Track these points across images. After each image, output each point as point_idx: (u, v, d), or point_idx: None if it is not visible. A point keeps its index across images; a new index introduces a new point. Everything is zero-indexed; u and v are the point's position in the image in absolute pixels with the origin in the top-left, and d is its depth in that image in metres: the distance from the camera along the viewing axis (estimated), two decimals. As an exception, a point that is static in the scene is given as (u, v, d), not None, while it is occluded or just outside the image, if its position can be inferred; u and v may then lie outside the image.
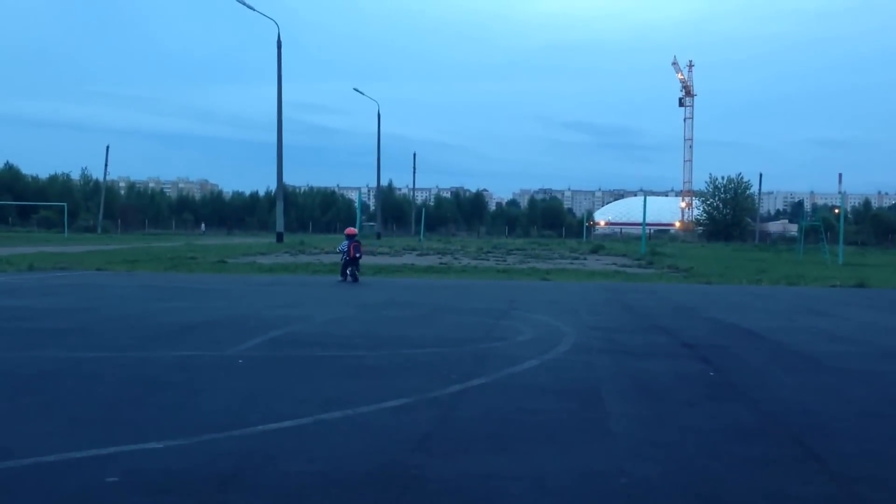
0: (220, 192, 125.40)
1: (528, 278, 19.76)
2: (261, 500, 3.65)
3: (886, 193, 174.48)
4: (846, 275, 21.92)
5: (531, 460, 4.30)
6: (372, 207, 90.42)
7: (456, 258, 29.00)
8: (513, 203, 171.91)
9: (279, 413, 5.18)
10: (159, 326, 9.46)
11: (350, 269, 17.65)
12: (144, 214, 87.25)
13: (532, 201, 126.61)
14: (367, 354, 7.66)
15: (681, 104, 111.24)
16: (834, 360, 7.85)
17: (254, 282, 17.26)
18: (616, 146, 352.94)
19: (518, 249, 38.85)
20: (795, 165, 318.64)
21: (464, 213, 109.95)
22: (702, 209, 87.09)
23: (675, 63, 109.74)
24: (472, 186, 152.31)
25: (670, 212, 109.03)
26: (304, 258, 27.26)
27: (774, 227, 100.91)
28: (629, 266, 26.39)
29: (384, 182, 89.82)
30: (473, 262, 26.43)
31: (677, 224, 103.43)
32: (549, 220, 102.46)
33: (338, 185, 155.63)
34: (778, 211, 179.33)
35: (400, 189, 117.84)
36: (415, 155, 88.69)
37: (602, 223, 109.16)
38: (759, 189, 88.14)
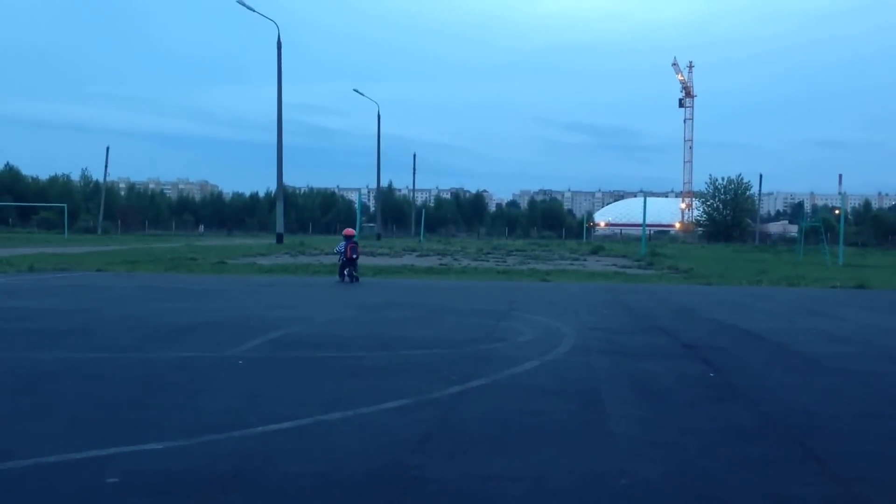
0: (220, 193, 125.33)
1: (528, 279, 19.76)
2: (261, 500, 3.65)
3: (887, 194, 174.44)
4: (846, 276, 21.91)
5: (531, 461, 4.30)
6: (372, 208, 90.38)
7: (456, 259, 29.00)
8: (513, 204, 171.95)
9: (279, 414, 5.18)
10: (159, 327, 9.46)
11: (348, 269, 17.78)
12: (144, 215, 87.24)
13: (532, 202, 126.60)
14: (368, 355, 7.66)
15: (681, 105, 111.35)
16: (834, 361, 7.85)
17: (254, 283, 17.26)
18: (616, 147, 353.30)
19: (518, 250, 38.87)
20: (795, 166, 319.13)
21: (464, 214, 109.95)
22: (702, 210, 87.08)
23: (675, 64, 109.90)
24: (472, 187, 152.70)
25: (670, 213, 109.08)
26: (304, 259, 27.27)
27: (774, 227, 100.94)
28: (629, 267, 26.40)
29: (384, 183, 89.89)
30: (473, 263, 26.43)
31: (677, 225, 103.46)
32: (549, 220, 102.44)
33: (338, 186, 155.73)
34: (778, 212, 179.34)
35: (400, 190, 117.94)
36: (415, 156, 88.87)
37: (602, 224, 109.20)
38: (759, 190, 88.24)
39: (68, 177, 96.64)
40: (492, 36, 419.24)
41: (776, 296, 16.21)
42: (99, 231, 70.93)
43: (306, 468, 4.12)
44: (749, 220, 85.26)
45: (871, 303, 15.04)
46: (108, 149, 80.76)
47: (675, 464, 4.31)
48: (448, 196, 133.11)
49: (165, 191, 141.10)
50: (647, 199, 48.11)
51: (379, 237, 62.05)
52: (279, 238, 44.94)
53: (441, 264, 25.33)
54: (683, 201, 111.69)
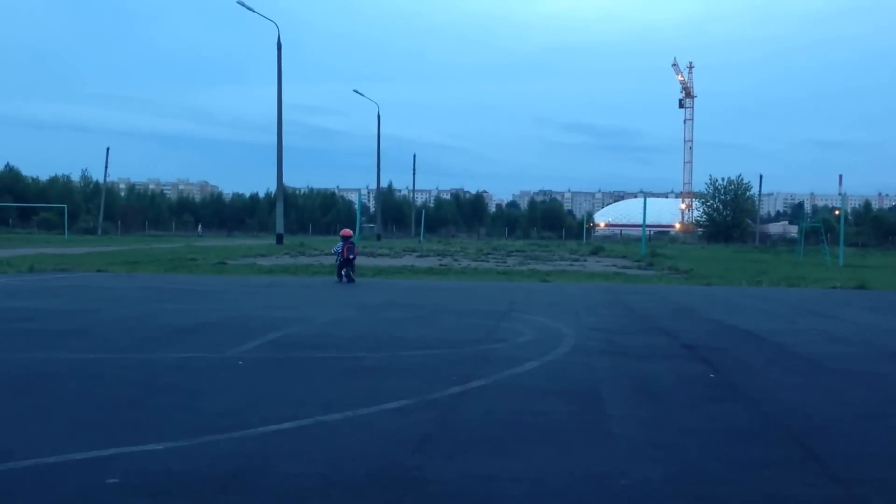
0: (220, 194, 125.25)
1: (528, 280, 19.76)
2: (261, 501, 3.65)
3: (887, 195, 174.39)
4: (846, 276, 21.91)
5: (531, 462, 4.30)
6: (372, 209, 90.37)
7: (456, 260, 29.01)
8: (513, 204, 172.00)
9: (279, 414, 5.18)
10: (159, 328, 9.46)
11: (345, 269, 17.91)
12: (144, 216, 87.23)
13: (532, 203, 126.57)
14: (368, 356, 7.66)
15: (681, 105, 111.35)
16: (834, 362, 7.85)
17: (254, 283, 17.26)
18: (616, 147, 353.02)
19: (518, 251, 38.88)
20: (796, 167, 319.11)
21: (464, 214, 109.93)
22: (702, 211, 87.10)
23: (675, 64, 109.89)
24: (472, 188, 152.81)
25: (670, 213, 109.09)
26: (304, 260, 27.27)
27: (775, 228, 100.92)
28: (629, 268, 26.41)
29: (384, 183, 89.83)
30: (473, 264, 26.43)
31: (677, 225, 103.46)
32: (549, 221, 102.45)
33: (338, 187, 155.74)
34: (778, 212, 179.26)
35: (400, 190, 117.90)
36: (415, 156, 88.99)
37: (602, 225, 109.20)
38: (760, 190, 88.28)
39: (68, 177, 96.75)
40: (492, 36, 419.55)
41: (776, 296, 16.21)
42: (99, 232, 70.96)
43: (306, 469, 4.12)
44: (749, 221, 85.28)
45: (872, 303, 15.04)
46: (108, 149, 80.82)
47: (676, 464, 4.31)
48: (448, 197, 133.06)
49: (165, 191, 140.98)
50: (647, 199, 48.11)
51: (379, 238, 62.04)
52: (279, 239, 44.97)
53: (441, 265, 25.33)
54: (683, 202, 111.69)
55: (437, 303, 13.31)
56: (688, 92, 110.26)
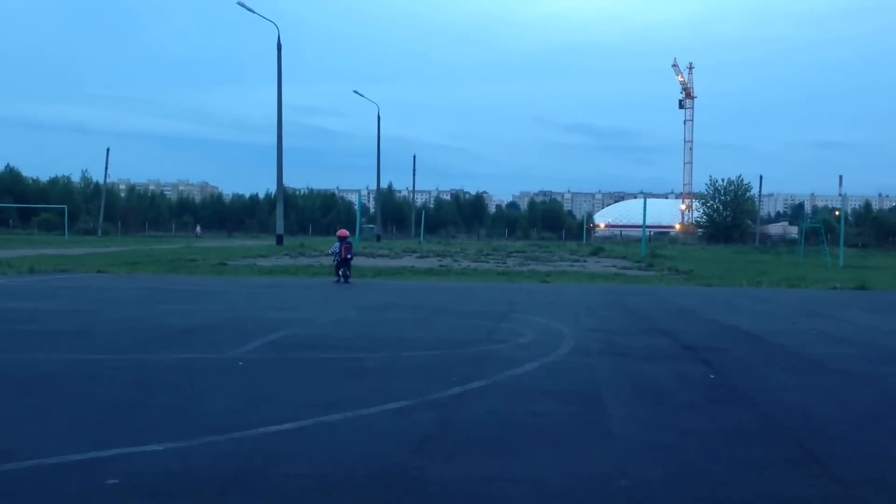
0: (220, 195, 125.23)
1: (528, 281, 19.76)
2: (261, 502, 3.65)
3: (887, 195, 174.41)
4: (847, 277, 21.90)
5: (532, 462, 4.30)
6: (372, 210, 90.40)
7: (456, 260, 29.01)
8: (513, 205, 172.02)
9: (279, 415, 5.18)
10: (160, 329, 9.47)
11: (342, 269, 18.10)
12: (145, 217, 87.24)
13: (532, 203, 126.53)
14: (368, 357, 7.66)
15: (681, 106, 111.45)
16: (834, 363, 7.85)
17: (254, 284, 17.26)
18: (616, 148, 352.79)
19: (518, 252, 38.88)
20: (796, 167, 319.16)
21: (464, 215, 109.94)
22: (702, 211, 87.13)
23: (675, 65, 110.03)
24: (472, 188, 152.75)
25: (670, 214, 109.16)
26: (304, 260, 27.28)
27: (775, 229, 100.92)
28: (629, 268, 26.41)
29: (384, 184, 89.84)
30: (473, 265, 26.44)
31: (677, 226, 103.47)
32: (549, 222, 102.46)
33: (338, 188, 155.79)
34: (778, 213, 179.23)
35: (400, 191, 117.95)
36: (414, 157, 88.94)
37: (602, 225, 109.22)
38: (760, 191, 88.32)
39: (69, 178, 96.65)
40: (492, 37, 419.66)
41: (776, 297, 16.21)
42: (99, 232, 70.99)
43: (307, 469, 4.12)
44: (749, 222, 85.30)
45: (872, 304, 15.04)
46: (108, 150, 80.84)
47: (676, 465, 4.31)
48: (448, 197, 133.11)
49: (165, 192, 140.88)
50: (647, 200, 48.11)
51: (379, 238, 62.08)
52: (279, 239, 44.97)
53: (441, 265, 25.33)
54: (683, 202, 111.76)
55: (437, 303, 13.32)
56: (688, 92, 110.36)
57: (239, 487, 3.84)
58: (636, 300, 14.58)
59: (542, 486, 3.94)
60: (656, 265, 27.85)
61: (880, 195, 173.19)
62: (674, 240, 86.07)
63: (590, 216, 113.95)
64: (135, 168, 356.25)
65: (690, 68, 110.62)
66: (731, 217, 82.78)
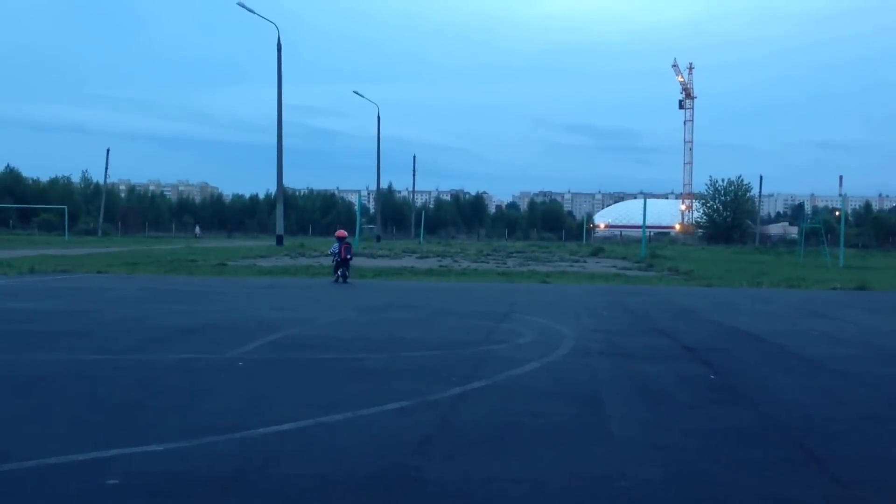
0: (220, 195, 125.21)
1: (528, 281, 19.76)
2: (261, 502, 3.65)
3: (887, 196, 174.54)
4: (847, 277, 21.90)
5: (532, 463, 4.30)
6: (372, 210, 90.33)
7: (456, 261, 29.01)
8: (513, 206, 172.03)
9: (280, 416, 5.18)
10: (160, 329, 9.47)
11: (341, 269, 18.19)
12: (145, 217, 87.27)
13: (532, 204, 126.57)
14: (368, 357, 7.66)
15: (681, 106, 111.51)
16: (835, 363, 7.85)
17: (254, 284, 17.26)
18: (616, 148, 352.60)
19: (518, 252, 38.87)
20: (796, 168, 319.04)
21: (464, 215, 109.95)
22: (702, 212, 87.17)
23: (675, 65, 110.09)
24: (472, 189, 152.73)
25: (670, 214, 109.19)
26: (304, 261, 27.28)
27: (775, 229, 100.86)
28: (629, 269, 26.41)
29: (384, 185, 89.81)
30: (473, 265, 26.43)
31: (677, 226, 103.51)
32: (549, 222, 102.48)
33: (338, 188, 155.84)
34: (778, 213, 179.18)
35: (400, 192, 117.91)
36: (414, 157, 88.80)
37: (602, 226, 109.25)
38: (760, 191, 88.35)
39: (69, 179, 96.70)
40: (492, 37, 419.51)
41: (776, 298, 16.21)
42: (99, 233, 71.01)
43: (307, 470, 4.12)
44: (749, 222, 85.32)
45: (872, 305, 15.04)
46: (108, 151, 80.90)
47: (676, 466, 4.31)
48: (448, 198, 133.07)
49: (166, 193, 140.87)
50: (647, 200, 48.10)
51: (379, 239, 62.08)
52: (279, 240, 44.97)
53: (441, 266, 25.33)
54: (683, 203, 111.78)
55: (437, 304, 13.32)
56: (688, 93, 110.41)
57: (239, 488, 3.84)
58: (636, 300, 14.59)
59: (542, 486, 3.94)
60: (656, 265, 27.85)
61: (880, 195, 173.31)
62: (674, 240, 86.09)
63: (590, 216, 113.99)
64: (135, 168, 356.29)
65: (690, 69, 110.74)
66: (731, 217, 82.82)
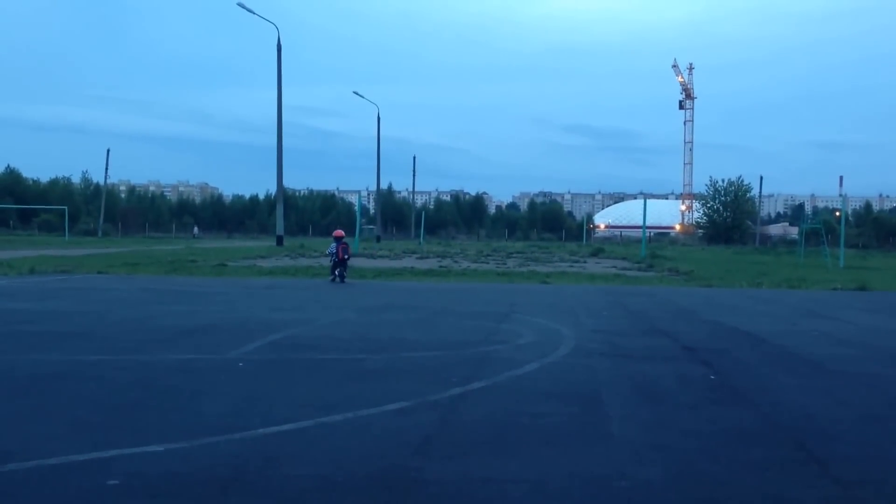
0: (220, 196, 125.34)
1: (528, 281, 19.76)
2: (262, 502, 3.65)
3: (888, 196, 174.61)
4: (847, 278, 21.90)
5: (532, 463, 4.30)
6: (372, 210, 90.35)
7: (456, 261, 29.01)
8: (513, 206, 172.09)
9: (280, 416, 5.18)
10: (160, 330, 9.47)
11: (338, 269, 18.25)
12: (145, 218, 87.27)
13: (532, 204, 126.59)
14: (368, 358, 7.66)
15: (681, 107, 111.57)
16: (835, 364, 7.85)
17: (254, 285, 17.26)
18: (616, 149, 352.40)
19: (518, 252, 38.87)
20: (796, 168, 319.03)
21: (464, 216, 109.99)
22: (702, 212, 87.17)
23: (675, 66, 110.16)
24: (472, 189, 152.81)
25: (670, 215, 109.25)
26: (304, 261, 27.28)
27: (775, 230, 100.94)
28: (629, 269, 26.41)
29: (384, 185, 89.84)
30: (473, 266, 26.44)
31: (677, 227, 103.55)
32: (549, 223, 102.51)
33: (338, 189, 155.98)
34: (778, 214, 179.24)
35: (400, 192, 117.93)
36: (414, 158, 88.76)
37: (602, 226, 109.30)
38: (760, 192, 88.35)
39: (69, 179, 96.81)
40: (492, 38, 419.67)
41: (777, 298, 16.21)
42: (99, 233, 71.03)
43: (307, 470, 4.12)
44: (749, 222, 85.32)
45: (872, 305, 15.04)
46: (108, 151, 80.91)
47: (676, 466, 4.31)
48: (448, 198, 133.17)
49: (166, 193, 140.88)
50: (648, 201, 48.09)
51: (379, 239, 62.07)
52: (279, 240, 44.98)
53: (441, 266, 25.33)
54: (683, 203, 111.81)
55: (437, 304, 13.32)
56: (688, 93, 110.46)
57: (239, 488, 3.84)
58: (636, 301, 14.58)
59: (542, 486, 3.94)
60: (656, 266, 27.84)
61: (881, 196, 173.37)
62: (674, 240, 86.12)
63: (590, 217, 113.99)
64: (135, 169, 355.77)
65: (690, 69, 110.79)
66: (731, 218, 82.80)
